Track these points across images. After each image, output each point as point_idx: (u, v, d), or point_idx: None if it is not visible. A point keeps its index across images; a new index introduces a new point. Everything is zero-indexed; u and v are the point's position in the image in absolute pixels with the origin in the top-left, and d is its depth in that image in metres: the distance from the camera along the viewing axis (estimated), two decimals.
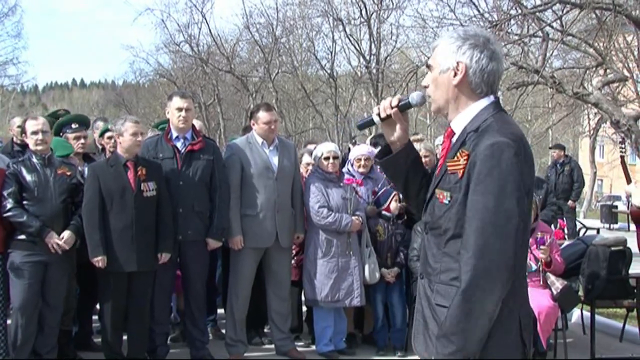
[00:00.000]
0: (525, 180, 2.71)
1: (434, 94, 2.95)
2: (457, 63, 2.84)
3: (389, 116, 3.07)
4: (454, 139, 2.91)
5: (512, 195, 2.64)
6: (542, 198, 8.24)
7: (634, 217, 7.69)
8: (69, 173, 6.41)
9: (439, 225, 2.86)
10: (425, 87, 3.00)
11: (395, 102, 3.05)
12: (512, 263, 2.65)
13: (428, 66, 2.98)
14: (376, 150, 7.59)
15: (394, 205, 7.23)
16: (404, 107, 3.06)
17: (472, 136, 2.79)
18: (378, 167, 7.58)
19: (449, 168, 2.83)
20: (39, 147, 6.30)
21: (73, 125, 7.28)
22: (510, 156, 2.66)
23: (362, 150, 7.72)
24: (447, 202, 2.82)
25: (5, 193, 6.15)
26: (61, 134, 7.30)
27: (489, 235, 2.63)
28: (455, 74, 2.85)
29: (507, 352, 2.77)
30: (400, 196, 7.10)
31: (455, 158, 2.80)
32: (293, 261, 7.38)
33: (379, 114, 3.09)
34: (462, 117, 2.89)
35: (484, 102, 2.88)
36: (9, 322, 6.40)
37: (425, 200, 3.04)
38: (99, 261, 6.28)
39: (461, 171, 2.75)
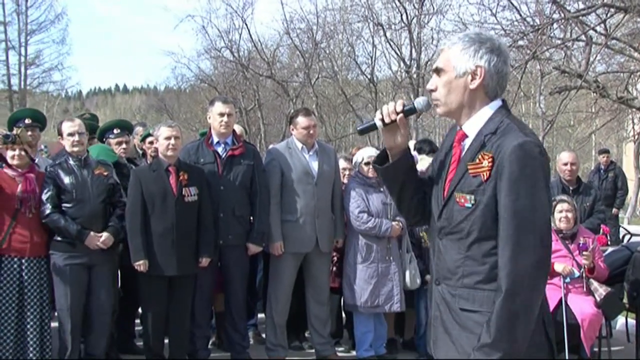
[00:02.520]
0: (548, 178, 2.81)
1: (447, 97, 2.95)
2: (476, 67, 2.87)
3: (393, 121, 3.01)
4: (467, 142, 2.94)
5: (543, 193, 2.73)
6: (590, 205, 8.11)
7: None
8: (105, 173, 6.48)
9: (461, 229, 2.87)
10: (432, 90, 3.00)
11: (399, 108, 3.01)
12: (549, 259, 2.76)
13: (437, 70, 2.97)
14: (419, 157, 7.60)
15: None
16: (408, 113, 3.02)
17: (491, 138, 2.82)
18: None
19: (470, 171, 2.84)
20: (76, 149, 6.38)
21: (115, 131, 7.37)
22: (538, 156, 2.74)
23: None
24: (469, 205, 2.83)
25: (43, 198, 6.24)
26: (104, 139, 7.39)
27: (526, 234, 2.68)
28: (473, 78, 2.88)
29: (536, 352, 2.79)
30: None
31: (477, 161, 2.82)
32: (334, 268, 7.36)
33: (382, 119, 3.02)
34: (476, 120, 2.92)
35: (495, 104, 2.94)
36: (53, 324, 6.50)
37: (417, 205, 3.12)
38: (141, 265, 6.34)
39: (486, 173, 2.78)
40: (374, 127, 3.09)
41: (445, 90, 2.94)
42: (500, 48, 2.91)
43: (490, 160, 2.77)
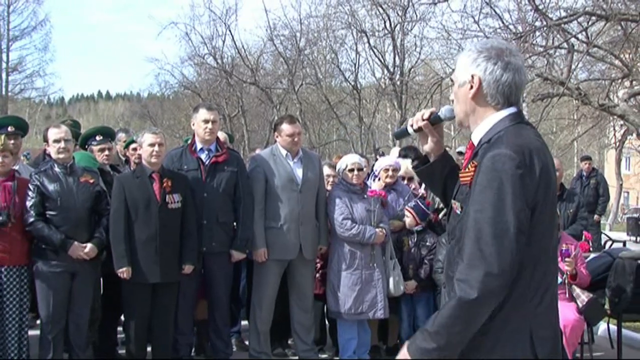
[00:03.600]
0: (529, 193, 2.67)
1: (455, 107, 3.00)
2: (472, 76, 2.87)
3: (420, 128, 3.15)
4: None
5: (511, 207, 2.62)
6: (573, 212, 8.16)
7: None
8: (91, 181, 6.44)
9: (455, 234, 2.92)
10: (453, 100, 3.05)
11: (426, 115, 3.13)
12: (508, 276, 2.63)
13: (452, 80, 3.04)
14: (402, 162, 7.63)
15: (407, 220, 7.22)
16: (434, 120, 3.14)
17: (483, 147, 2.82)
18: (404, 180, 7.59)
19: (461, 179, 2.90)
20: (61, 156, 6.33)
21: (97, 138, 7.31)
22: (511, 168, 2.65)
23: (390, 160, 7.71)
24: (459, 212, 2.88)
25: (27, 205, 6.19)
26: (86, 146, 7.35)
27: (484, 246, 2.64)
28: (471, 87, 2.88)
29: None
30: (414, 212, 7.13)
31: (467, 170, 2.84)
32: (318, 275, 7.36)
33: (412, 125, 3.18)
34: (480, 130, 2.91)
35: (502, 113, 2.88)
36: (31, 332, 6.46)
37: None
38: (124, 272, 6.32)
39: (469, 182, 2.80)
40: (406, 132, 3.26)
41: (455, 101, 3.00)
42: (501, 56, 2.85)
43: (474, 169, 2.77)
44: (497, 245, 2.62)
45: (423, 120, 3.13)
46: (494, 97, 2.87)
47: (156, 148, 6.46)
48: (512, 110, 2.89)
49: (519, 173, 2.65)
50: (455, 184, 3.12)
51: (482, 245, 2.64)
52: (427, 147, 3.20)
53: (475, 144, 2.91)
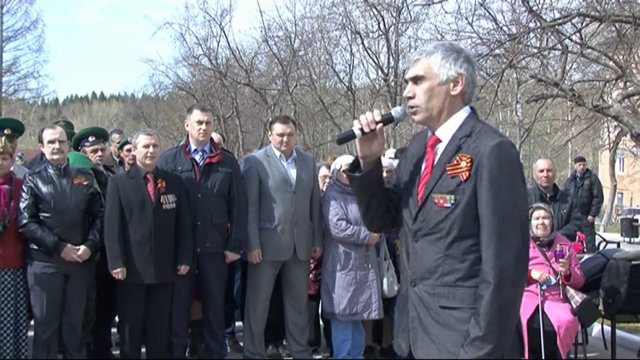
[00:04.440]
0: (523, 176, 2.95)
1: (428, 104, 3.02)
2: (458, 74, 2.99)
3: (372, 130, 3.06)
4: (441, 146, 3.02)
5: (521, 189, 2.88)
6: (567, 212, 8.17)
7: None
8: (85, 183, 6.41)
9: (440, 228, 2.94)
10: (410, 97, 3.06)
11: (378, 117, 3.06)
12: (528, 254, 2.87)
13: (416, 78, 3.03)
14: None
15: None
16: (387, 122, 3.08)
17: (466, 141, 2.93)
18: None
19: (448, 172, 2.93)
20: (55, 157, 6.30)
21: (90, 139, 7.27)
22: (515, 154, 2.91)
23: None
24: (449, 205, 2.92)
25: (21, 206, 6.16)
26: (79, 147, 7.33)
27: (509, 229, 2.80)
28: (455, 85, 3.00)
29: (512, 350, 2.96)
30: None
31: (455, 162, 2.91)
32: (311, 275, 7.36)
33: (361, 129, 3.05)
34: (449, 125, 3.02)
35: (467, 110, 3.06)
36: (30, 333, 6.45)
37: (383, 213, 3.22)
38: (118, 273, 6.30)
39: (465, 174, 2.88)
40: (353, 136, 3.11)
41: (426, 97, 3.01)
42: (472, 58, 3.07)
43: (468, 161, 2.86)
44: (518, 227, 2.82)
45: (376, 122, 3.05)
46: (469, 96, 3.05)
47: (150, 149, 6.44)
48: (470, 107, 3.07)
49: (519, 158, 2.91)
50: (381, 186, 3.21)
51: (507, 230, 2.80)
52: (371, 149, 3.11)
53: (445, 139, 3.01)
